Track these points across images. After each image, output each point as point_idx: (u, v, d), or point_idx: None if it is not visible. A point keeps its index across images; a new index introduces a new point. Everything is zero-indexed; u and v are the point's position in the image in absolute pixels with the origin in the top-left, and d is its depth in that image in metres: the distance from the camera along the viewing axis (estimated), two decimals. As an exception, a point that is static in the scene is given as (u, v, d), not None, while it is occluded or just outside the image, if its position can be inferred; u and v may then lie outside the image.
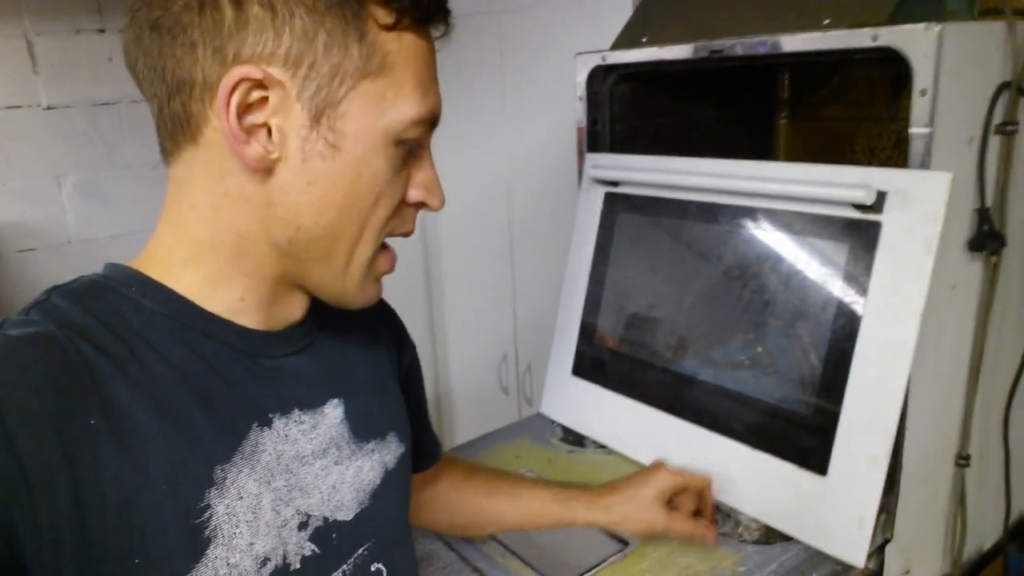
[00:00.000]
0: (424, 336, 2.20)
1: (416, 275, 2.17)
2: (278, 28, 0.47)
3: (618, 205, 1.14)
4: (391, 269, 0.59)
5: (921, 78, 0.77)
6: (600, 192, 1.16)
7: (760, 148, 1.43)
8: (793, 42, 0.89)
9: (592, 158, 1.17)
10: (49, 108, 1.81)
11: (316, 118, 0.49)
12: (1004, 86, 0.86)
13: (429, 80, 0.53)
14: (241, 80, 0.47)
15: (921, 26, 0.76)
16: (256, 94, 0.47)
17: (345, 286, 0.56)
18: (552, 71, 1.57)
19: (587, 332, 1.16)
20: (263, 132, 0.49)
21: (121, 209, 1.93)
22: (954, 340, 0.92)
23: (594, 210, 1.16)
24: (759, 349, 0.95)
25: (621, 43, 1.16)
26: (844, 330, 0.84)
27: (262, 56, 0.47)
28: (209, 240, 0.52)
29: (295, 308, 0.57)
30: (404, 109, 0.51)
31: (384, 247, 0.57)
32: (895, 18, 0.82)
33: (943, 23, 0.75)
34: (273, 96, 0.48)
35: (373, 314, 0.71)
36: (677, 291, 1.07)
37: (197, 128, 0.50)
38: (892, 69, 0.83)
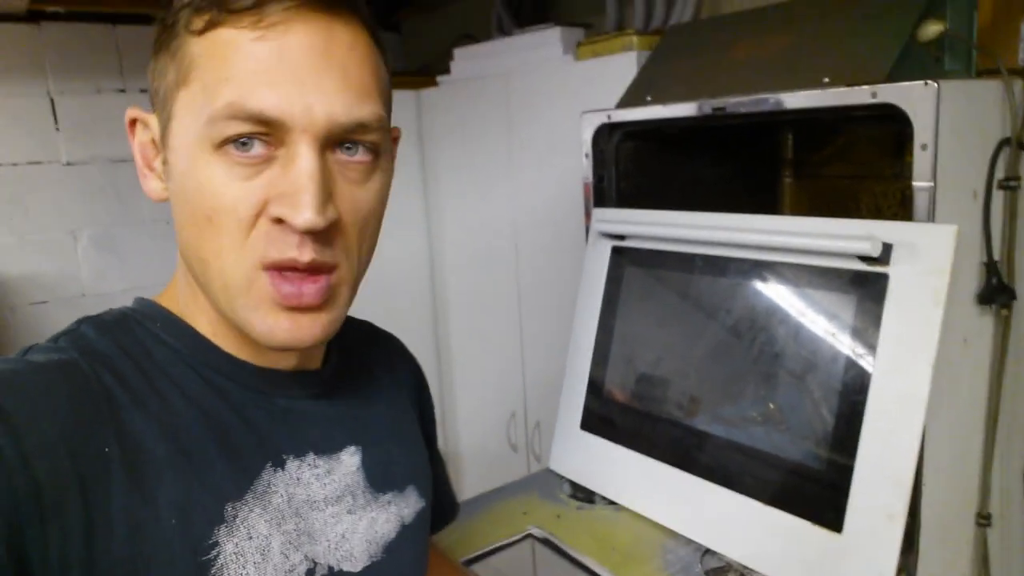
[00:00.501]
0: (433, 393, 2.17)
1: (424, 332, 2.17)
2: (152, 73, 0.52)
3: (625, 259, 1.15)
4: (294, 296, 0.48)
5: (921, 133, 0.79)
6: (607, 246, 1.17)
7: (765, 206, 1.44)
8: (795, 99, 0.91)
9: (599, 212, 1.19)
10: (69, 164, 1.86)
11: (162, 142, 0.51)
12: (1004, 142, 0.87)
13: (246, 72, 0.45)
14: (130, 121, 0.53)
15: (920, 83, 0.78)
16: (147, 134, 0.53)
17: (235, 315, 0.49)
18: (559, 129, 1.61)
19: (595, 386, 1.15)
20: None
21: (134, 264, 1.96)
22: (969, 394, 0.90)
23: (601, 264, 1.17)
24: (770, 404, 0.94)
25: (626, 102, 1.19)
26: (855, 383, 0.83)
27: (152, 101, 0.53)
28: (180, 273, 0.55)
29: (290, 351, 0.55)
30: (208, 105, 0.46)
31: (283, 270, 0.47)
32: (893, 76, 0.85)
33: (941, 80, 0.77)
34: (153, 133, 0.52)
35: (398, 362, 0.71)
36: (686, 345, 1.06)
37: None
38: (894, 128, 0.85)
